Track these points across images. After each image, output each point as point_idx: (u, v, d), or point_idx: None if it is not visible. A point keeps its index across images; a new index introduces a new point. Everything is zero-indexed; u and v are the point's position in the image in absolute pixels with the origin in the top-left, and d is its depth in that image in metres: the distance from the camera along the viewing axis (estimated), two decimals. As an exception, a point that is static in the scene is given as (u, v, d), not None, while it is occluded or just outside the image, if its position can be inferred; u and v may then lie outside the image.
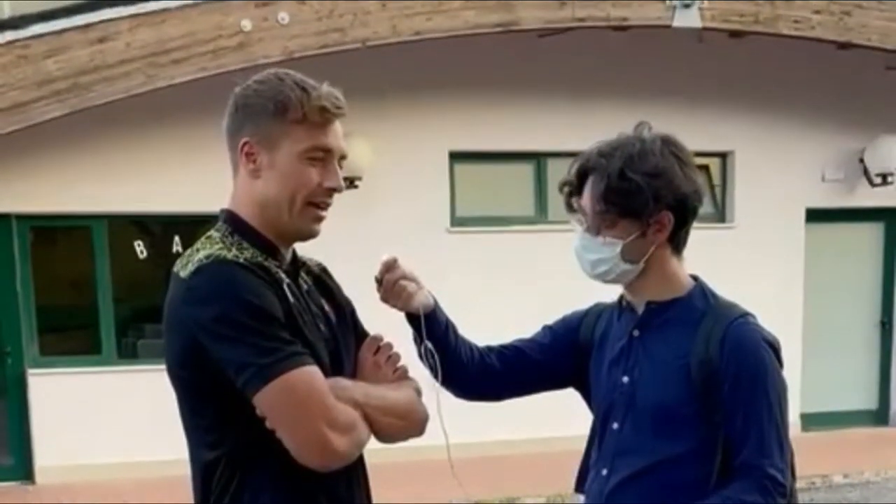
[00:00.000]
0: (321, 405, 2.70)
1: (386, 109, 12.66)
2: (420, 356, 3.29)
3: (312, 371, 2.70)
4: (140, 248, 12.59)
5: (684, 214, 3.15)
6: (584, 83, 13.32)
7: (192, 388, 2.79)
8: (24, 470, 12.38)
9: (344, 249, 12.42)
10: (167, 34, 10.74)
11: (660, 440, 3.12)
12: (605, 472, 3.26)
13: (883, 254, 15.45)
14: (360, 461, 2.98)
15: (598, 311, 3.45)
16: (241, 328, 2.64)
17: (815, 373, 14.28)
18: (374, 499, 3.10)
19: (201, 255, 2.76)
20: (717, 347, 3.06)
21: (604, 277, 3.20)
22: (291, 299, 2.80)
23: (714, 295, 3.23)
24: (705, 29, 12.46)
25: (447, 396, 3.29)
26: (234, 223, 2.86)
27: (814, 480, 11.69)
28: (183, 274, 2.74)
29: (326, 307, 3.00)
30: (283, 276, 2.83)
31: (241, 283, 2.69)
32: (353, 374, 2.97)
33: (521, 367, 3.45)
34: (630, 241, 3.12)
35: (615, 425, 3.24)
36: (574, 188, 3.23)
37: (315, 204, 2.86)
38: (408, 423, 2.99)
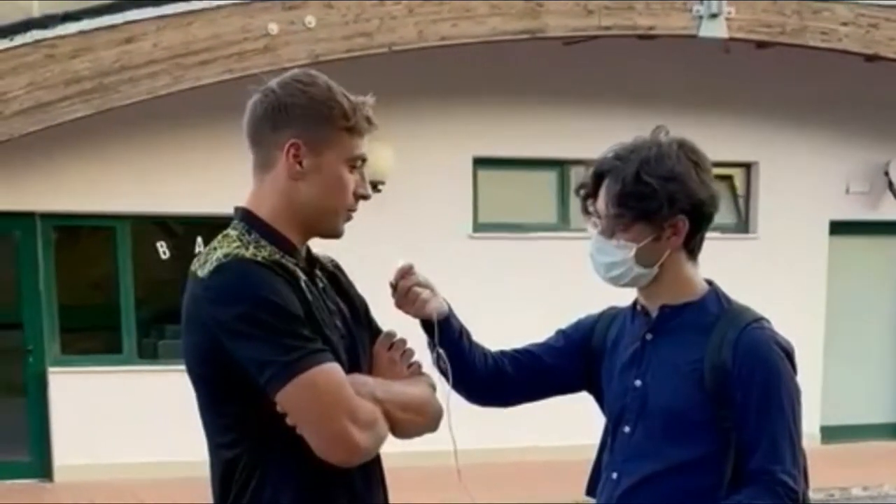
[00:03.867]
0: (344, 401, 2.71)
1: (410, 114, 12.67)
2: (433, 363, 3.29)
3: (334, 368, 2.72)
4: (163, 249, 12.61)
5: (699, 219, 3.14)
6: (609, 92, 13.30)
7: (212, 386, 2.80)
8: (42, 468, 12.42)
9: (366, 252, 12.47)
10: (193, 36, 10.77)
11: (671, 445, 3.12)
12: (615, 476, 3.26)
13: (906, 268, 15.39)
14: (378, 460, 2.99)
15: (611, 315, 3.44)
16: (262, 326, 2.65)
17: (835, 385, 14.24)
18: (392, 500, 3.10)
19: (219, 253, 2.76)
20: (729, 352, 3.05)
21: (617, 281, 3.19)
22: (310, 297, 2.80)
23: (728, 299, 3.21)
24: (731, 39, 12.43)
25: (459, 402, 3.29)
26: (250, 221, 2.86)
27: (833, 493, 11.65)
28: (201, 273, 2.75)
29: (341, 304, 3.01)
30: (300, 273, 2.83)
31: (260, 281, 2.70)
32: (370, 371, 2.98)
33: (535, 371, 3.45)
34: (644, 245, 3.11)
35: (626, 429, 3.23)
36: (590, 191, 3.21)
37: (350, 209, 2.92)
38: (425, 419, 3.01)
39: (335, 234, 2.94)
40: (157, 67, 10.71)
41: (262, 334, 2.66)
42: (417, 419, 2.97)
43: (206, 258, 2.77)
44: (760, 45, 12.82)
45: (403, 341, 3.09)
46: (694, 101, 13.14)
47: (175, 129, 11.99)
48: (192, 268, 2.80)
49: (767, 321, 3.15)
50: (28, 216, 12.22)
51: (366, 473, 2.91)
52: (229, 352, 2.68)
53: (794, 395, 3.08)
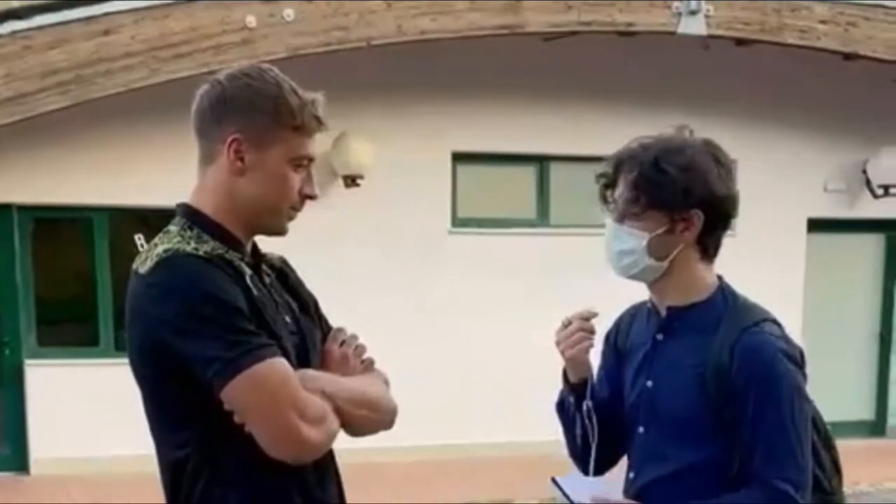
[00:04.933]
0: (291, 396, 2.65)
1: (389, 109, 12.67)
2: (581, 416, 3.27)
3: (280, 362, 2.66)
4: (140, 242, 12.45)
5: (715, 217, 3.12)
6: (589, 88, 13.31)
7: (159, 385, 2.75)
8: (19, 461, 12.37)
9: (345, 248, 12.50)
10: (170, 28, 10.71)
11: (680, 447, 3.12)
12: (632, 475, 3.26)
13: (883, 265, 15.45)
14: (331, 457, 2.93)
15: (632, 313, 3.41)
16: (205, 322, 2.60)
17: (812, 383, 14.16)
18: (352, 499, 3.07)
19: (159, 249, 2.71)
20: (727, 355, 3.03)
21: (628, 271, 3.16)
22: (255, 291, 2.75)
23: (735, 298, 3.19)
24: (710, 36, 12.45)
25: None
26: (192, 217, 2.81)
27: (808, 491, 11.65)
28: (142, 270, 2.70)
29: (290, 300, 2.95)
30: (245, 268, 2.78)
31: (202, 276, 2.65)
32: (320, 368, 2.92)
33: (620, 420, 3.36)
34: (657, 235, 3.08)
35: (641, 429, 3.23)
36: (610, 180, 3.18)
37: (293, 207, 2.86)
38: (378, 415, 2.95)
39: (278, 231, 2.88)
40: (134, 60, 10.65)
41: (205, 330, 2.60)
42: (370, 416, 2.91)
43: (147, 255, 2.72)
44: (739, 42, 12.83)
45: (355, 337, 3.05)
46: (673, 98, 13.15)
47: (153, 121, 11.92)
48: (134, 265, 2.75)
49: (771, 322, 3.13)
50: (5, 208, 12.17)
51: (320, 470, 2.86)
52: (174, 349, 2.63)
53: (795, 398, 3.06)
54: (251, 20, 10.83)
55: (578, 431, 3.31)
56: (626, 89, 13.15)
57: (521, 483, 11.92)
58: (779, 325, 3.15)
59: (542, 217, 13.80)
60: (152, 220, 12.83)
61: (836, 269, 15.03)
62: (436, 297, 13.07)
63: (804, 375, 3.14)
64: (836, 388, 14.89)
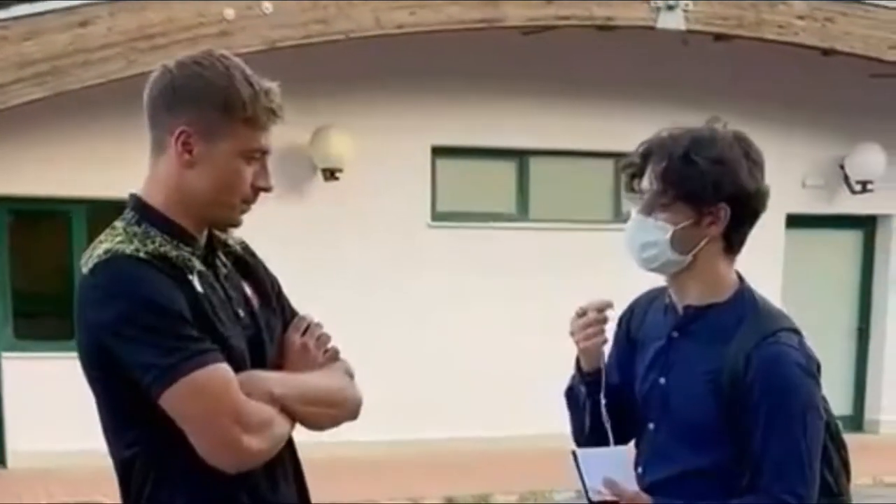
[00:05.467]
0: (230, 404, 2.58)
1: (368, 102, 12.64)
2: (590, 408, 3.22)
3: (219, 368, 2.59)
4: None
5: (742, 212, 3.06)
6: (568, 82, 13.28)
7: (104, 387, 2.69)
8: (-4, 453, 12.31)
9: (323, 241, 12.47)
10: (148, 20, 10.67)
11: (688, 450, 3.08)
12: (640, 470, 3.21)
13: (861, 261, 15.50)
14: (290, 456, 2.87)
15: (650, 299, 3.34)
16: (142, 328, 2.54)
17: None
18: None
19: (101, 249, 2.65)
20: (743, 364, 2.97)
21: (649, 264, 3.09)
22: (200, 289, 2.67)
23: (755, 303, 3.13)
24: (689, 31, 12.45)
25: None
26: (141, 210, 2.75)
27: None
28: (84, 270, 2.65)
29: (248, 290, 2.87)
30: (194, 263, 2.70)
31: (139, 280, 2.58)
32: (280, 358, 2.86)
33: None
34: (682, 227, 3.02)
35: (651, 426, 3.18)
36: (637, 169, 3.12)
37: (245, 200, 2.77)
38: (337, 410, 2.86)
39: (230, 224, 2.82)
40: (111, 52, 10.61)
41: (142, 336, 2.54)
42: (328, 411, 2.83)
43: (91, 254, 2.66)
44: (718, 37, 12.86)
45: (319, 325, 2.95)
46: (652, 93, 13.16)
47: (130, 114, 11.67)
48: (80, 262, 2.69)
49: (793, 332, 3.08)
50: (-18, 200, 12.10)
51: (271, 473, 2.78)
52: (113, 354, 2.58)
53: (808, 413, 3.01)
54: (229, 13, 10.79)
55: (588, 422, 3.24)
56: (605, 84, 13.15)
57: (499, 478, 11.96)
58: (798, 333, 3.10)
59: (522, 211, 13.81)
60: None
61: (814, 265, 15.06)
62: (415, 290, 13.06)
63: (819, 387, 3.08)
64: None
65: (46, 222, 13.15)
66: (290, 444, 2.83)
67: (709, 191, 2.99)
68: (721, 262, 3.12)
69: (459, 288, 13.03)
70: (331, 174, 12.47)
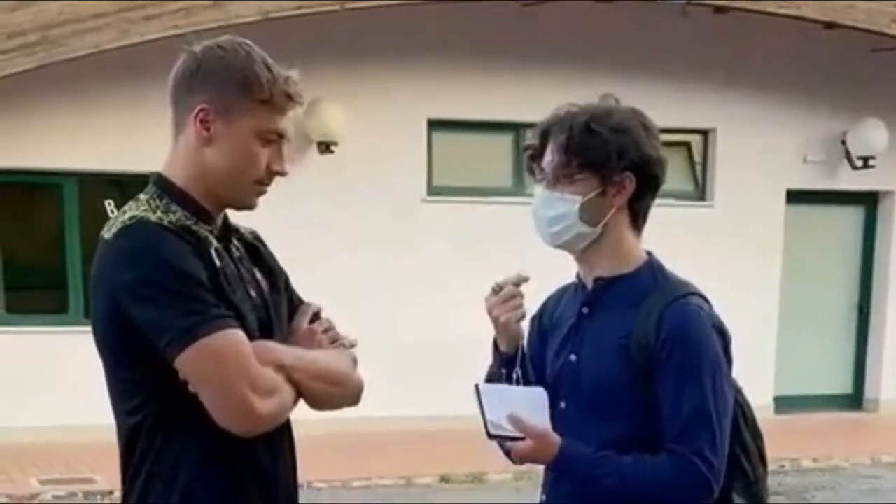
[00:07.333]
0: (243, 368, 2.67)
1: (363, 74, 12.56)
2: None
3: (235, 334, 2.68)
4: (111, 208, 12.41)
5: (646, 180, 3.08)
6: (567, 54, 13.20)
7: (115, 350, 2.76)
8: (-15, 428, 12.24)
9: (317, 211, 12.38)
10: (141, -11, 10.58)
11: (602, 423, 3.06)
12: None
13: (862, 237, 15.44)
14: (286, 430, 2.95)
15: (560, 293, 3.36)
16: (162, 290, 2.63)
17: (790, 355, 14.24)
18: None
19: (126, 216, 2.74)
20: (653, 327, 2.99)
21: (558, 238, 3.11)
22: (218, 262, 2.76)
23: (664, 273, 3.15)
24: (690, 3, 12.38)
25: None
26: (163, 186, 2.84)
27: (783, 464, 11.62)
28: (107, 236, 2.73)
29: (258, 275, 2.96)
30: (212, 239, 2.80)
31: (163, 245, 2.67)
32: (286, 343, 2.92)
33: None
34: (589, 198, 3.04)
35: (562, 405, 3.14)
36: (536, 150, 3.14)
37: (259, 182, 2.86)
38: (341, 390, 2.96)
39: (245, 205, 2.90)
40: (103, 21, 10.54)
41: (162, 298, 2.63)
42: (330, 389, 2.92)
43: (114, 221, 2.75)
44: (718, 9, 12.79)
45: (327, 319, 3.05)
46: (652, 65, 13.08)
47: (123, 85, 11.77)
48: (102, 231, 2.76)
49: (699, 297, 3.09)
50: (-28, 172, 12.02)
51: (271, 444, 2.86)
52: (130, 315, 2.65)
53: (717, 372, 3.00)
54: (223, -18, 10.69)
55: None
56: (604, 56, 13.05)
57: (493, 456, 11.89)
58: (706, 300, 3.11)
59: (518, 185, 13.69)
60: (124, 185, 12.72)
61: (814, 241, 15.00)
62: (410, 265, 12.99)
63: (728, 354, 3.07)
64: (813, 360, 14.89)
65: (38, 195, 13.09)
66: (286, 419, 2.92)
67: (613, 158, 3.02)
68: (628, 234, 3.14)
69: (454, 261, 12.96)
70: (326, 147, 12.39)
